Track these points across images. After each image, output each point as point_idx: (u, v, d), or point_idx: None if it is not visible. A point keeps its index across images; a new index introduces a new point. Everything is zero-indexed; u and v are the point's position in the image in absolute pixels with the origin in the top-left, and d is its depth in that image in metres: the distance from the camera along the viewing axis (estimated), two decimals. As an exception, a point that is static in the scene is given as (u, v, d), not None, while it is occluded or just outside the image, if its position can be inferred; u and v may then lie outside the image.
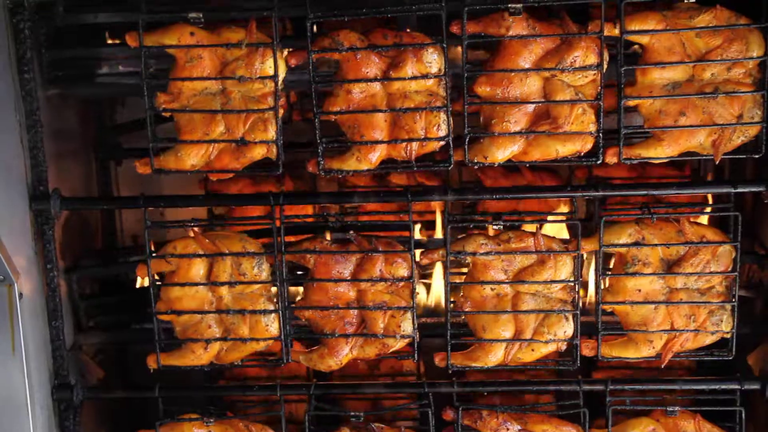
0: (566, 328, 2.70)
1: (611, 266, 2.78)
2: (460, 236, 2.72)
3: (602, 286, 2.69)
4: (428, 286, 3.17)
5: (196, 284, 2.73)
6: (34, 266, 2.76)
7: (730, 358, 2.70)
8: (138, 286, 3.37)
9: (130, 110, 3.57)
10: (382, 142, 2.61)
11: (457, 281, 2.77)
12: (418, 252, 2.75)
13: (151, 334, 2.79)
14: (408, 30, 2.61)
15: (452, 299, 2.71)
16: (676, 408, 2.78)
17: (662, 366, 2.72)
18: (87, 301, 3.09)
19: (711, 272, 2.64)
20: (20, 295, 2.63)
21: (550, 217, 3.07)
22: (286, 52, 2.64)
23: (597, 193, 2.67)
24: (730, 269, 2.65)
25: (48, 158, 2.75)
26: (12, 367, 2.65)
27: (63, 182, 2.91)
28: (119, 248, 3.59)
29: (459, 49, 2.54)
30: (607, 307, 2.70)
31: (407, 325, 2.72)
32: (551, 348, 2.72)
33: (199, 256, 2.72)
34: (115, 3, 2.75)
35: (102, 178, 3.48)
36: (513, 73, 2.55)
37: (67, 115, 3.13)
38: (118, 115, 3.61)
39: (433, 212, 3.42)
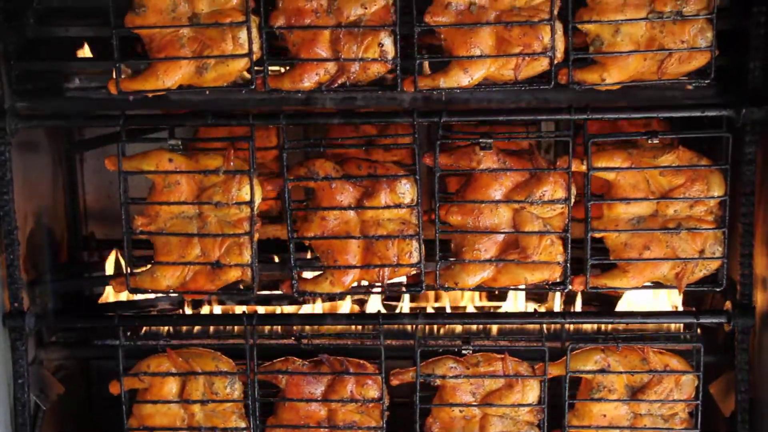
0: (533, 450, 2.75)
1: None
2: (430, 360, 2.76)
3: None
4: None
5: (169, 402, 2.76)
6: None
7: (693, 480, 2.76)
8: (101, 301, 3.34)
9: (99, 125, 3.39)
10: (355, 267, 2.66)
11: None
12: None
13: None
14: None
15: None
16: None
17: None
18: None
19: (674, 400, 2.70)
20: None
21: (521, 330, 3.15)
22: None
23: (564, 321, 2.74)
24: (692, 397, 2.72)
25: (14, 171, 2.73)
26: None
27: (29, 198, 2.94)
28: (85, 262, 3.50)
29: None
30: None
31: (377, 444, 2.76)
32: (518, 468, 2.77)
33: (172, 374, 2.75)
34: (86, 17, 2.74)
35: (70, 194, 3.44)
36: (483, 204, 2.63)
37: (36, 128, 3.02)
38: (87, 130, 3.46)
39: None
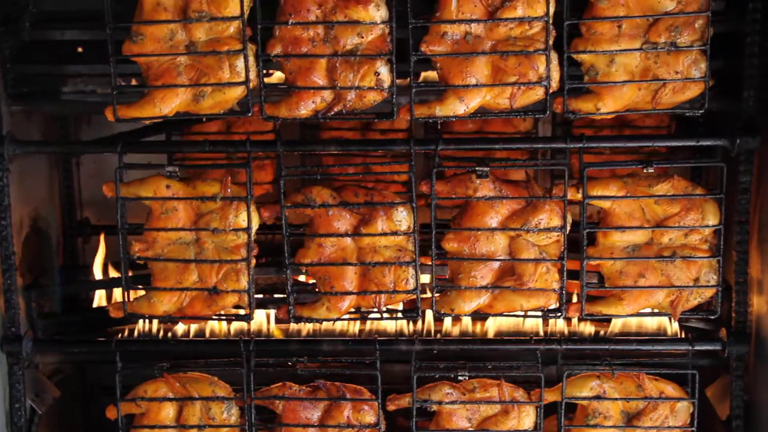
0: (529, 476, 2.75)
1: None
2: (426, 385, 2.77)
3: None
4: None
5: (165, 427, 2.76)
6: None
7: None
8: (96, 305, 3.34)
9: (95, 128, 3.46)
10: (351, 293, 2.68)
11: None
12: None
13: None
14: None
15: None
16: None
17: None
18: (45, 320, 3.03)
19: (669, 427, 2.71)
20: None
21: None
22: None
23: (559, 347, 2.75)
24: (687, 423, 2.73)
25: (11, 173, 2.74)
26: None
27: (25, 201, 2.95)
28: (81, 266, 3.51)
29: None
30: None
31: (374, 469, 2.77)
32: (514, 494, 2.77)
33: (169, 399, 2.76)
34: (82, 20, 2.75)
35: (66, 197, 3.44)
36: (480, 232, 2.64)
37: (32, 131, 3.08)
38: (83, 133, 3.49)
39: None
